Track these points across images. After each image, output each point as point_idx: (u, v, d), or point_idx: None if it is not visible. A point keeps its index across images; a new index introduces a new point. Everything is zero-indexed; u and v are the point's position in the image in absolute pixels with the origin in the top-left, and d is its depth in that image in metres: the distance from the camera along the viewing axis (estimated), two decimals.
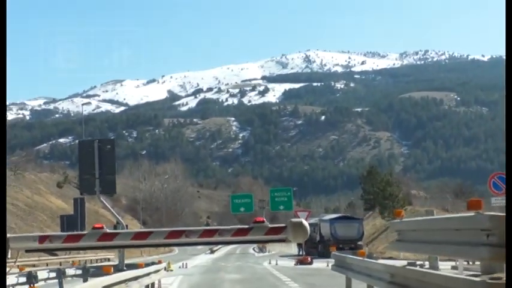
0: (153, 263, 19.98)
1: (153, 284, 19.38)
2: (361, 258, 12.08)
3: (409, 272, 7.89)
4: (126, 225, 19.87)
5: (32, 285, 15.94)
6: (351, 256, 13.74)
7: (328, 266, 36.85)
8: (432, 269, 13.80)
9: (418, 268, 8.12)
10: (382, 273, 9.69)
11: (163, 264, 20.51)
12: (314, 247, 60.42)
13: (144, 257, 73.87)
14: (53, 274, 18.32)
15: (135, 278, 13.71)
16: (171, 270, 35.69)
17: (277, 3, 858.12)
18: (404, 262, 33.47)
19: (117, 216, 18.19)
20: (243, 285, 22.28)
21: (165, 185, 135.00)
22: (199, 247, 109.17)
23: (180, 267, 40.76)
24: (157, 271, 18.04)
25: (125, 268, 18.31)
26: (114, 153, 17.11)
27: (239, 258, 59.73)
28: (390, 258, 42.48)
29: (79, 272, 19.77)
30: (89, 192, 17.00)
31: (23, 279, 15.92)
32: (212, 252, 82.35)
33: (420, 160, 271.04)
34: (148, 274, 16.01)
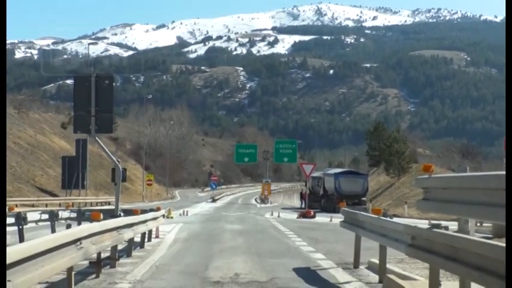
0: (151, 210, 19.22)
1: (150, 232, 18.66)
2: (376, 216, 11.11)
3: (436, 236, 7.01)
4: (124, 169, 18.96)
5: (20, 226, 15.17)
6: (364, 213, 12.83)
7: (331, 220, 36.21)
8: (462, 233, 12.90)
9: (447, 231, 7.21)
10: (401, 234, 8.81)
11: (162, 211, 19.74)
12: (317, 201, 59.83)
13: (146, 202, 73.56)
14: (46, 216, 17.58)
15: (129, 226, 12.85)
16: (172, 218, 35.10)
17: None
18: (415, 221, 32.67)
19: (114, 158, 17.30)
20: (244, 237, 21.55)
21: (170, 131, 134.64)
22: (201, 194, 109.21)
23: (180, 215, 40.20)
24: (155, 218, 17.26)
25: (121, 214, 17.52)
26: (112, 89, 16.06)
27: (241, 208, 59.20)
28: (394, 215, 41.67)
29: (74, 215, 19.03)
30: (84, 130, 16.03)
31: (12, 220, 15.13)
32: (214, 200, 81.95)
33: (427, 119, 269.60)
34: (144, 221, 15.19)
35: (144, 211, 17.81)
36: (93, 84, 15.55)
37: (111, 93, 15.94)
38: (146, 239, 17.99)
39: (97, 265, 11.16)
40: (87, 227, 8.76)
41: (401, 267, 12.20)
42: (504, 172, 5.19)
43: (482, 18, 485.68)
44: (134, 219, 13.73)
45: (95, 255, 10.69)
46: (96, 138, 16.37)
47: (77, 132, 16.23)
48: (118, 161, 18.27)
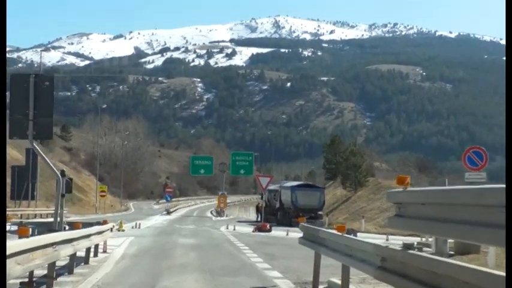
0: (97, 223, 18.08)
1: (97, 246, 17.58)
2: (340, 233, 10.17)
3: (411, 258, 6.11)
4: (70, 179, 17.80)
5: None
6: (326, 230, 11.81)
7: (288, 234, 35.36)
8: (440, 254, 12.00)
9: (424, 254, 6.30)
10: (370, 254, 7.79)
11: (110, 225, 18.60)
12: (273, 214, 58.92)
13: (99, 214, 71.94)
14: None
15: (68, 241, 11.71)
16: (123, 231, 33.91)
17: None
18: (373, 236, 31.76)
19: (54, 168, 16.14)
20: (197, 253, 20.53)
21: (125, 142, 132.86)
22: (156, 206, 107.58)
23: (132, 228, 38.98)
24: (100, 232, 16.14)
25: (66, 227, 16.38)
26: (52, 92, 14.81)
27: (196, 221, 58.06)
28: (352, 230, 40.92)
29: (14, 227, 17.86)
30: (20, 136, 14.74)
31: None
32: (168, 213, 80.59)
33: (382, 133, 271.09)
34: (87, 236, 14.04)
35: (89, 224, 16.67)
36: (31, 85, 14.34)
37: (51, 95, 14.73)
38: (92, 254, 16.90)
39: (28, 286, 10.06)
40: (10, 245, 7.71)
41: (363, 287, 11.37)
42: (503, 186, 4.34)
43: (437, 34, 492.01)
44: (74, 233, 12.49)
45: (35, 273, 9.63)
46: (34, 144, 15.14)
47: (12, 138, 14.94)
48: (63, 171, 17.11)
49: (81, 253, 15.24)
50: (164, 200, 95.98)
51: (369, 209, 57.08)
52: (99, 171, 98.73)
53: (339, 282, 10.84)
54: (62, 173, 16.43)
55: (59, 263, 13.23)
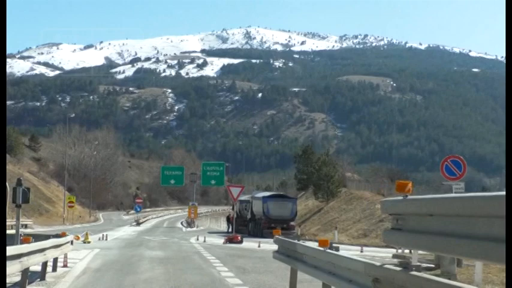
0: (56, 236, 16.88)
1: (56, 260, 16.42)
2: (321, 248, 9.05)
3: (413, 280, 5.08)
4: (27, 189, 16.61)
5: None
6: (305, 244, 10.62)
7: (259, 246, 34.39)
8: (447, 276, 10.97)
9: (429, 275, 5.20)
10: (359, 274, 6.66)
11: (69, 237, 17.41)
12: (244, 225, 57.88)
13: (67, 225, 70.49)
14: None
15: (16, 257, 10.52)
16: (89, 242, 32.72)
17: None
18: (346, 247, 30.78)
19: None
20: (164, 267, 19.40)
21: (94, 152, 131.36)
22: (126, 217, 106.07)
23: (99, 239, 37.75)
24: (57, 246, 14.95)
25: (21, 238, 15.18)
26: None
27: (165, 232, 56.91)
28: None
29: None
30: None
31: None
32: (138, 224, 79.26)
33: (353, 144, 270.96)
34: (41, 250, 12.85)
35: (46, 237, 15.45)
36: None
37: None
38: (51, 269, 15.75)
39: None
40: None
41: None
42: None
43: (407, 45, 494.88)
44: (22, 248, 11.21)
45: None
46: None
47: None
48: (19, 179, 15.97)
49: (38, 267, 14.13)
50: (134, 211, 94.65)
51: (341, 219, 56.22)
52: (68, 182, 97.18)
53: None
54: (19, 182, 15.30)
55: (12, 279, 12.10)
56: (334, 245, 9.24)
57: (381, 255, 30.01)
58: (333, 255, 8.29)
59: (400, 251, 31.12)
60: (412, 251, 18.05)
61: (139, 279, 15.47)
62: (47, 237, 15.05)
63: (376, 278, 5.99)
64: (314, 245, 10.05)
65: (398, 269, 5.54)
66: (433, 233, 4.94)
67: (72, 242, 17.85)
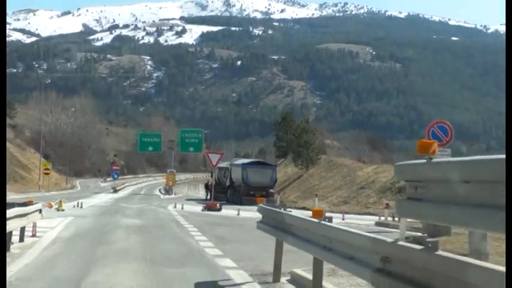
0: (23, 204, 15.81)
1: (23, 230, 15.46)
2: (315, 220, 7.97)
3: (432, 261, 4.12)
4: None
5: None
6: (295, 215, 9.45)
7: (239, 214, 33.58)
8: (476, 255, 10.04)
9: (453, 255, 4.21)
10: (363, 251, 5.55)
11: (37, 206, 16.38)
12: (223, 192, 57.08)
13: (43, 192, 69.33)
14: None
15: None
16: (63, 210, 31.70)
17: None
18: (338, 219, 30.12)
19: None
20: (140, 236, 18.46)
21: (72, 119, 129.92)
22: (103, 184, 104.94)
23: (74, 207, 36.68)
24: (22, 215, 13.98)
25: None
26: None
27: (143, 200, 56.04)
28: (304, 208, 39.39)
29: None
30: None
31: None
32: (115, 191, 78.24)
33: (332, 111, 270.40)
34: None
35: (11, 205, 14.45)
36: None
37: None
38: (18, 238, 14.81)
39: None
40: None
41: (335, 282, 9.48)
42: None
43: (387, 14, 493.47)
44: None
45: None
46: None
47: None
48: None
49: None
50: (111, 178, 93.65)
51: (321, 187, 55.63)
52: (45, 149, 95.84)
53: (305, 274, 8.92)
54: None
55: None
56: (327, 215, 8.16)
57: (364, 222, 29.39)
58: (329, 227, 7.25)
59: (383, 218, 30.48)
60: (400, 219, 17.25)
61: (113, 250, 14.54)
62: (11, 205, 14.10)
63: (386, 256, 4.99)
64: (303, 215, 9.11)
65: (417, 247, 4.50)
66: (468, 205, 3.93)
67: (40, 211, 16.85)
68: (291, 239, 8.93)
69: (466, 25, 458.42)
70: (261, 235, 12.88)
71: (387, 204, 32.48)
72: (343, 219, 30.73)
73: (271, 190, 53.35)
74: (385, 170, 47.76)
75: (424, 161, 4.78)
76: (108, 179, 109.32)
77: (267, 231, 10.48)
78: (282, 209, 10.02)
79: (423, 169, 4.98)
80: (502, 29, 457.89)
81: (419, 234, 17.95)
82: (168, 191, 76.69)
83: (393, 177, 45.78)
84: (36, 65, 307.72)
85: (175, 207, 40.38)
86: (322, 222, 7.55)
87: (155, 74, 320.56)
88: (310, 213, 8.49)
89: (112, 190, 78.77)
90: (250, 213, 34.71)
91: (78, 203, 38.57)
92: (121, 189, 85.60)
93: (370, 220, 31.15)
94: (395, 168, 5.64)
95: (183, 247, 15.68)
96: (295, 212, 10.15)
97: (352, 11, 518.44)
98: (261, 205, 11.40)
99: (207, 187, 64.10)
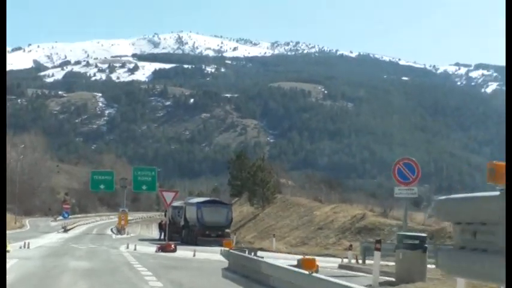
0: None
1: None
2: (304, 271, 6.54)
3: None
4: None
5: None
6: (273, 263, 7.90)
7: (195, 255, 32.16)
8: None
9: None
10: None
11: None
12: (178, 232, 55.49)
13: None
14: None
15: None
16: (8, 251, 29.91)
17: None
18: (285, 256, 28.93)
19: None
20: (89, 282, 17.03)
21: (21, 156, 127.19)
22: (54, 223, 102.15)
23: (20, 248, 34.88)
24: None
25: None
26: None
27: (94, 240, 54.22)
28: (261, 249, 38.09)
29: None
30: None
31: None
32: (66, 230, 75.98)
33: (285, 150, 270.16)
34: None
35: None
36: None
37: None
38: None
39: None
40: None
41: None
42: None
43: (338, 53, 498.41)
44: None
45: None
46: None
47: None
48: None
49: None
50: (62, 217, 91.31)
51: (278, 226, 54.49)
52: None
53: None
54: None
55: None
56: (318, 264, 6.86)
57: (327, 264, 28.19)
58: (324, 282, 5.89)
59: (346, 260, 29.37)
60: (374, 263, 16.10)
61: None
62: None
63: None
64: (283, 264, 7.86)
65: None
66: None
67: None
68: None
69: (416, 65, 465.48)
70: (223, 281, 11.69)
71: (350, 245, 31.37)
72: None
73: (227, 230, 52.07)
74: (343, 210, 46.90)
75: (496, 193, 3.31)
76: (58, 218, 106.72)
77: (236, 281, 9.01)
78: (252, 254, 8.75)
79: (492, 205, 3.47)
80: (451, 69, 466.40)
81: (392, 279, 16.96)
82: (120, 230, 74.77)
83: (352, 217, 44.95)
84: None
85: (127, 247, 38.85)
86: (314, 275, 6.23)
87: (107, 111, 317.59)
88: (267, 254, 7.19)
89: (62, 230, 76.57)
90: (207, 254, 33.40)
91: (25, 243, 36.73)
92: (72, 228, 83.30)
93: (332, 262, 29.99)
94: (437, 204, 4.28)
95: None
96: (271, 260, 8.85)
97: (303, 50, 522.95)
98: (228, 250, 10.01)
99: (161, 227, 62.50)
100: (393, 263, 22.42)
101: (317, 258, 34.06)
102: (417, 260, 16.12)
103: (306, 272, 6.35)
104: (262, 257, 9.01)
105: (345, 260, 29.40)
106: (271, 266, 7.44)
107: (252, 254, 8.81)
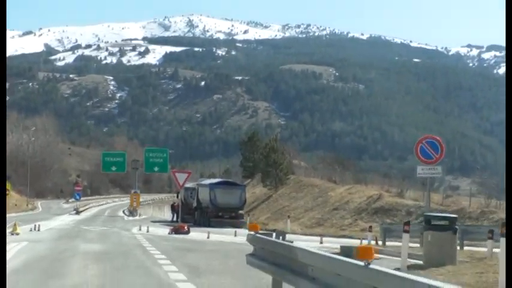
0: None
1: None
2: (359, 262, 5.07)
3: None
4: None
5: None
6: (313, 251, 6.42)
7: (209, 237, 31.35)
8: None
9: None
10: None
11: None
12: (190, 213, 54.73)
13: None
14: None
15: None
16: (17, 234, 29.24)
17: None
18: (300, 237, 27.95)
19: None
20: (100, 265, 16.13)
21: (33, 139, 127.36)
22: (66, 205, 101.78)
23: (31, 230, 34.16)
24: None
25: None
26: None
27: (106, 222, 53.65)
28: (275, 230, 37.23)
29: None
30: None
31: None
32: (78, 212, 75.58)
33: (296, 132, 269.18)
34: None
35: None
36: None
37: None
38: None
39: None
40: None
41: None
42: None
43: (349, 35, 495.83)
44: None
45: None
46: None
47: None
48: None
49: None
50: (73, 199, 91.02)
51: (292, 207, 53.66)
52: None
53: None
54: None
55: None
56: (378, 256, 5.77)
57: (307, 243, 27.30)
58: (383, 275, 4.61)
59: (365, 241, 28.40)
60: (402, 245, 15.22)
61: (65, 286, 12.28)
62: None
63: None
64: (326, 252, 6.94)
65: None
66: None
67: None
68: (305, 285, 6.24)
69: (428, 47, 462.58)
70: (238, 263, 10.79)
71: (370, 227, 30.37)
72: (321, 242, 28.74)
73: (240, 211, 51.32)
74: (359, 190, 46.04)
75: None
76: (70, 200, 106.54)
77: (265, 269, 7.67)
78: (280, 237, 7.70)
79: None
80: (463, 51, 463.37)
81: (420, 262, 16.08)
82: (132, 212, 74.28)
83: (368, 198, 44.08)
84: None
85: (139, 229, 38.19)
86: (371, 267, 5.01)
87: (118, 94, 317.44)
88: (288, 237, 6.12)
89: (74, 212, 76.19)
90: (221, 236, 32.65)
91: (35, 225, 35.98)
92: (84, 210, 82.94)
93: (348, 243, 29.08)
94: None
95: (149, 280, 13.40)
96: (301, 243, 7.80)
97: (314, 32, 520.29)
98: (255, 234, 8.71)
99: (173, 208, 61.86)
100: (417, 245, 21.56)
101: (335, 239, 33.34)
102: (447, 242, 15.24)
103: (361, 263, 5.15)
104: (292, 241, 7.92)
105: (364, 242, 28.48)
106: (312, 255, 6.16)
107: (280, 238, 7.68)
